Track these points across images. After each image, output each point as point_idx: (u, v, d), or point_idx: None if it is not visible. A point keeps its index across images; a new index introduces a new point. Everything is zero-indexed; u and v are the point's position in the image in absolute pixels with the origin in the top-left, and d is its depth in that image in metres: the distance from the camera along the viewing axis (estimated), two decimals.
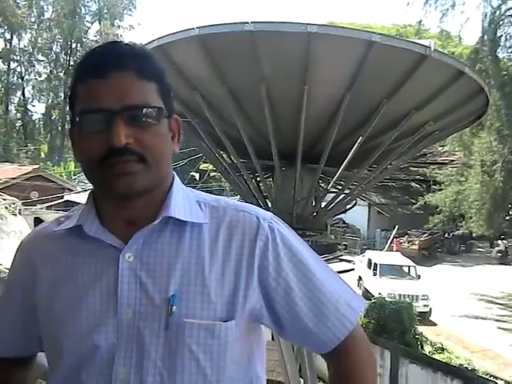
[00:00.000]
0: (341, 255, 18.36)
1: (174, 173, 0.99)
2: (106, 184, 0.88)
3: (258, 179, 10.39)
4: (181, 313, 0.87)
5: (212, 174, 27.81)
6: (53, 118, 47.15)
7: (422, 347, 10.95)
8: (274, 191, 9.66)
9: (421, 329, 11.57)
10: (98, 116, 0.86)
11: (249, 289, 0.91)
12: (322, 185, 11.04)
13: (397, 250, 20.56)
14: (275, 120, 7.74)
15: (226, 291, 0.90)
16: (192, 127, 8.77)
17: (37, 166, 22.36)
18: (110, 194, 0.89)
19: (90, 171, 0.90)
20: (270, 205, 9.73)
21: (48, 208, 17.65)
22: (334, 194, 9.71)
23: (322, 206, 9.65)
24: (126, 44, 0.92)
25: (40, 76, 45.83)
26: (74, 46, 45.53)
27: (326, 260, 12.64)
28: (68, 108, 0.94)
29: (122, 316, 0.88)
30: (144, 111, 0.86)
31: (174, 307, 0.86)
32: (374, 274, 15.76)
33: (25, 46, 44.39)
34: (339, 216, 15.24)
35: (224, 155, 10.04)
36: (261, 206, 9.31)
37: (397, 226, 21.12)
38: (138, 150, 0.86)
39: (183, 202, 0.95)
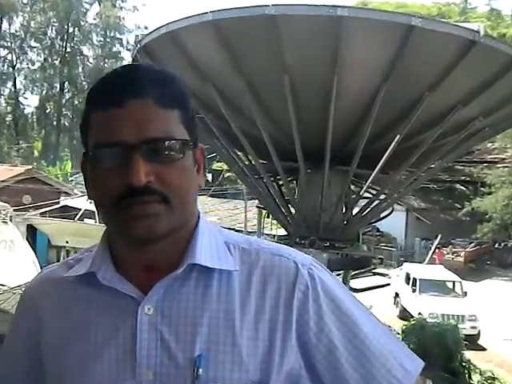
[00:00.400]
0: (374, 268, 18.26)
1: (200, 210, 0.99)
2: (123, 227, 0.88)
3: (280, 182, 10.39)
4: (208, 376, 0.86)
5: (227, 174, 27.94)
6: (47, 111, 47.82)
7: (469, 376, 10.82)
8: (298, 196, 9.66)
9: (468, 354, 11.43)
10: (114, 150, 0.86)
11: (286, 346, 0.90)
12: (354, 189, 11.01)
13: (439, 263, 20.38)
14: (300, 115, 7.73)
15: (260, 349, 0.89)
16: (204, 124, 8.81)
17: (30, 167, 22.65)
18: (128, 237, 0.90)
19: (104, 212, 0.91)
20: (292, 211, 9.74)
21: (42, 214, 17.88)
22: (367, 200, 9.69)
23: (354, 213, 9.63)
24: (145, 67, 0.93)
25: (33, 64, 46.53)
26: (70, 30, 46.17)
27: (357, 274, 12.54)
28: (81, 137, 0.94)
29: (142, 377, 0.88)
30: (166, 144, 0.87)
31: (201, 370, 0.86)
32: (413, 291, 15.65)
33: (16, 31, 45.11)
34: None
35: (241, 155, 10.07)
36: (282, 213, 9.32)
37: (439, 235, 20.94)
38: (159, 189, 0.86)
39: (210, 244, 0.95)
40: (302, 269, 0.94)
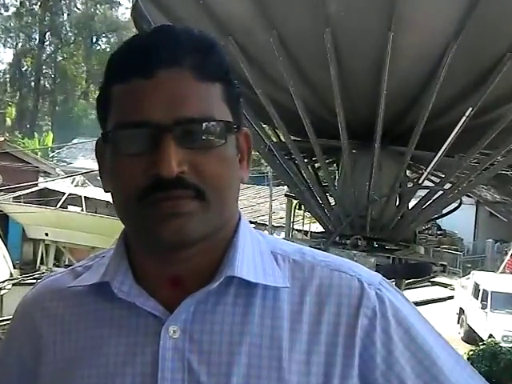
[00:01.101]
0: (434, 277, 18.18)
1: (241, 212, 1.01)
2: (149, 228, 0.89)
3: (317, 165, 10.38)
4: None
5: None
6: (24, 69, 48.26)
7: None
8: (339, 183, 9.64)
9: None
10: (140, 132, 0.87)
11: None
12: (411, 176, 10.94)
13: None
14: (344, 81, 7.70)
15: None
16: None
17: (1, 139, 22.85)
18: (153, 241, 0.90)
19: (124, 208, 0.92)
20: (332, 202, 9.74)
21: (16, 199, 18.08)
22: (427, 190, 9.64)
23: (410, 206, 9.59)
24: (180, 29, 0.93)
25: (7, 10, 46.89)
26: None
27: (413, 284, 12.48)
28: (97, 115, 0.96)
29: None
30: (205, 126, 0.88)
31: None
32: (483, 307, 15.56)
33: None
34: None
35: (267, 129, 10.09)
36: (318, 204, 9.35)
37: None
38: (195, 182, 0.87)
39: (253, 254, 0.96)
40: (368, 289, 0.95)
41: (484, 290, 15.91)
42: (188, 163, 0.87)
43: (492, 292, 15.68)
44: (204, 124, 0.88)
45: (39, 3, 46.49)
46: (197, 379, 0.89)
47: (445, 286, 19.47)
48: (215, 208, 0.89)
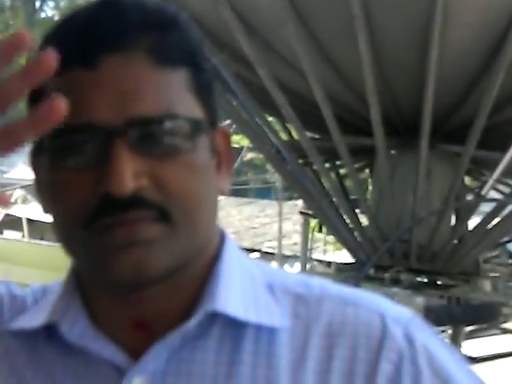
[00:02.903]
0: (505, 322, 18.07)
1: (225, 231, 1.03)
2: (99, 262, 0.91)
3: (342, 171, 10.40)
4: None
5: (249, 155, 27.99)
6: None
7: None
8: (372, 196, 9.66)
9: None
10: (82, 138, 0.89)
11: None
12: (471, 184, 10.95)
13: None
14: (378, 59, 7.72)
15: None
16: (213, 69, 8.83)
17: None
18: (105, 279, 0.93)
19: (67, 236, 0.94)
20: (363, 222, 9.74)
21: None
22: (494, 204, 9.65)
23: (471, 226, 9.58)
24: (132, 2, 0.94)
25: None
26: None
27: (476, 332, 12.43)
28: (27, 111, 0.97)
29: None
30: (167, 127, 0.90)
31: None
32: None
33: None
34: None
35: (275, 124, 10.11)
36: (345, 224, 9.39)
37: None
38: (156, 200, 0.89)
39: (242, 285, 0.99)
40: (393, 328, 0.97)
41: None
42: (147, 175, 0.88)
43: None
44: (166, 123, 0.90)
45: None
46: None
47: None
48: (184, 231, 0.91)
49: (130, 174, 0.86)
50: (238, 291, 0.97)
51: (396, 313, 0.99)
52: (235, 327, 0.95)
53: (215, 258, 0.99)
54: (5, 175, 28.97)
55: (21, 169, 30.23)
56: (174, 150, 0.90)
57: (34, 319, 0.99)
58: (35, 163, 0.97)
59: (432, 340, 0.99)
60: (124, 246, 0.88)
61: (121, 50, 0.89)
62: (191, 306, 0.95)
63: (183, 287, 0.96)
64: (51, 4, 51.76)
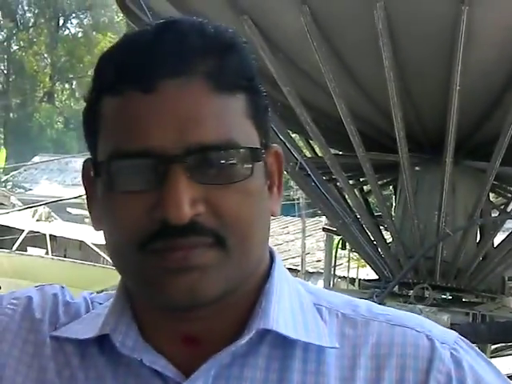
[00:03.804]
0: None
1: (274, 250, 1.03)
2: (152, 284, 0.91)
3: (366, 188, 10.40)
4: None
5: None
6: None
7: None
8: (397, 213, 9.64)
9: None
10: (141, 163, 0.89)
11: None
12: (496, 201, 10.90)
13: None
14: (402, 76, 7.72)
15: None
16: None
17: None
18: (158, 301, 0.94)
19: (121, 256, 0.95)
20: (388, 238, 9.72)
21: None
22: None
23: (496, 243, 9.55)
24: (188, 22, 0.94)
25: None
26: None
27: (503, 349, 12.34)
28: (84, 134, 0.98)
29: None
30: (226, 155, 0.89)
31: None
32: None
33: None
34: None
35: (299, 141, 10.13)
36: (369, 241, 9.34)
37: None
38: (213, 227, 0.89)
39: (291, 305, 0.99)
40: (441, 349, 0.97)
41: None
42: (203, 202, 0.88)
43: None
44: (225, 151, 0.89)
45: None
46: None
47: None
48: (238, 257, 0.92)
49: (187, 200, 0.86)
50: (288, 310, 0.97)
51: (443, 334, 1.00)
52: (284, 346, 0.95)
53: (265, 276, 0.99)
54: (28, 192, 29.10)
55: (43, 186, 30.36)
56: (231, 177, 0.89)
57: (87, 330, 1.00)
58: (88, 177, 0.98)
59: (479, 361, 0.99)
60: (179, 270, 0.88)
61: (180, 75, 0.88)
62: (241, 324, 0.95)
63: (234, 306, 0.96)
64: (74, 21, 52.05)
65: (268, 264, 1.01)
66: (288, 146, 9.15)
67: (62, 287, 1.16)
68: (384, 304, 7.16)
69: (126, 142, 0.89)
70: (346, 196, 9.36)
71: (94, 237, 16.73)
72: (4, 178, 30.41)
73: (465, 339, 1.02)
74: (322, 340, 0.96)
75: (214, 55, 0.91)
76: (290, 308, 0.98)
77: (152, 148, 0.87)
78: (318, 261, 21.02)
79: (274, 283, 0.98)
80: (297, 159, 9.17)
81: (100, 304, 1.09)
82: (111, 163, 0.90)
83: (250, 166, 0.91)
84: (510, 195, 9.58)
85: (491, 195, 9.88)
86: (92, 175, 0.96)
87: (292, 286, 1.02)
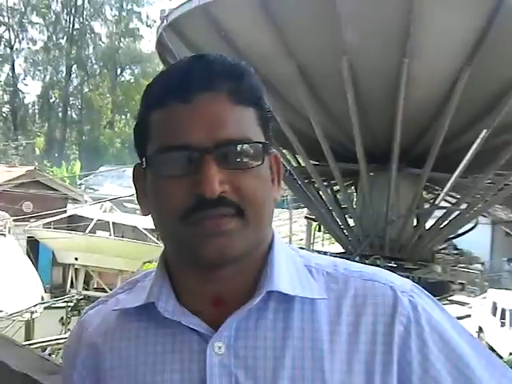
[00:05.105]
0: (452, 295, 17.98)
1: (274, 230, 1.01)
2: (193, 246, 0.91)
3: (336, 188, 10.36)
4: None
5: None
6: (51, 101, 48.82)
7: None
8: (357, 205, 9.62)
9: None
10: (182, 155, 0.89)
11: None
12: (428, 197, 10.89)
13: None
14: (362, 108, 7.71)
15: None
16: None
17: (31, 168, 23.01)
18: (196, 260, 0.92)
19: (167, 228, 0.94)
20: (351, 223, 9.71)
21: (46, 225, 18.17)
22: (444, 210, 9.59)
23: (428, 226, 9.54)
24: (215, 56, 0.95)
25: (35, 44, 47.55)
26: (79, 2, 47.10)
27: None
28: (135, 142, 0.99)
29: None
30: (244, 148, 0.90)
31: None
32: (502, 325, 15.33)
33: (14, 4, 46.11)
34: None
35: (286, 153, 10.10)
36: (338, 225, 9.29)
37: None
38: (235, 201, 0.89)
39: (288, 268, 0.98)
40: (401, 296, 0.96)
41: (502, 309, 15.67)
42: (228, 183, 0.88)
43: (510, 310, 15.45)
44: (242, 145, 0.90)
45: (66, 37, 47.12)
46: None
47: (463, 304, 19.22)
48: (254, 226, 0.91)
49: (217, 181, 0.86)
50: (286, 273, 0.96)
51: (402, 284, 0.98)
52: (286, 301, 0.94)
53: (269, 249, 0.98)
54: (96, 192, 29.17)
55: (106, 187, 30.42)
56: (247, 165, 0.90)
57: (137, 300, 1.00)
58: (138, 177, 0.98)
59: (429, 304, 0.99)
60: (211, 234, 0.88)
61: (209, 91, 0.89)
62: (253, 287, 0.94)
63: (249, 269, 0.95)
64: (128, 71, 52.13)
65: (270, 240, 0.99)
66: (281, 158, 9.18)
67: None
68: None
69: (171, 139, 0.89)
70: (322, 194, 9.33)
71: (143, 223, 16.75)
72: (79, 182, 30.42)
73: (418, 286, 1.00)
74: (313, 294, 0.95)
75: (233, 78, 0.92)
76: (287, 271, 0.97)
77: (190, 143, 0.88)
78: (300, 240, 21.01)
79: (275, 254, 0.97)
80: (286, 168, 9.17)
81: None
82: (160, 155, 0.91)
83: (261, 156, 0.91)
84: (436, 193, 9.57)
85: (424, 193, 9.87)
86: (141, 172, 0.97)
87: (288, 254, 1.00)
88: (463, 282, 10.65)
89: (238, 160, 0.90)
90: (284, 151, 9.70)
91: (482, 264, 25.31)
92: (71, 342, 1.07)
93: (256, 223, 0.91)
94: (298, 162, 9.80)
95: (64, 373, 1.09)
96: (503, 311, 15.56)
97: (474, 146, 7.81)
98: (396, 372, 0.92)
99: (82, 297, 14.84)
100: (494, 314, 15.92)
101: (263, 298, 0.93)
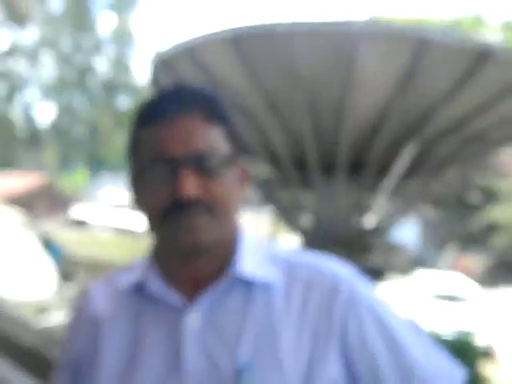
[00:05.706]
0: (385, 277, 18.15)
1: (242, 225, 1.02)
2: (170, 239, 0.92)
3: (293, 191, 10.44)
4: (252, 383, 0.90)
5: None
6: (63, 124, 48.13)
7: None
8: (314, 205, 9.69)
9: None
10: (164, 165, 0.90)
11: (327, 361, 0.93)
12: (369, 198, 11.02)
13: (458, 270, 20.17)
14: (315, 127, 7.76)
15: (301, 364, 0.92)
16: None
17: (44, 175, 22.55)
18: (174, 250, 0.94)
19: (153, 224, 0.95)
20: (310, 222, 9.76)
21: (57, 225, 17.93)
22: (382, 209, 9.70)
23: (369, 222, 9.65)
24: (190, 87, 0.97)
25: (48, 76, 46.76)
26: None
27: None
28: (127, 152, 0.99)
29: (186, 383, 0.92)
30: (212, 158, 0.91)
31: (245, 376, 0.90)
32: (427, 300, 15.43)
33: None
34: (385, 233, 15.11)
35: (254, 164, 10.15)
36: (297, 224, 9.27)
37: (452, 244, 20.81)
38: (206, 202, 0.90)
39: (253, 257, 0.98)
40: (341, 283, 0.97)
41: (425, 287, 15.83)
42: (201, 187, 0.90)
43: (433, 288, 15.59)
44: (212, 155, 0.91)
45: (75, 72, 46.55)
46: (213, 356, 0.93)
47: (394, 284, 19.39)
48: (222, 221, 0.93)
49: (190, 186, 0.89)
50: (250, 261, 0.98)
51: (343, 273, 0.99)
52: (248, 285, 0.96)
53: (237, 239, 1.00)
54: (100, 196, 28.75)
55: (109, 191, 30.00)
56: (216, 172, 0.91)
57: (129, 281, 1.01)
58: (131, 182, 0.99)
59: (364, 288, 1.00)
60: (186, 229, 0.90)
61: (185, 113, 0.91)
62: (222, 271, 0.96)
63: (219, 257, 0.97)
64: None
65: (238, 234, 1.01)
66: (251, 166, 9.20)
67: None
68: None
69: (156, 152, 0.91)
70: (284, 196, 9.35)
71: (140, 224, 16.50)
72: (85, 186, 29.87)
73: (357, 273, 1.02)
74: (271, 277, 0.97)
75: (203, 101, 0.94)
76: (252, 259, 0.98)
77: (171, 155, 0.90)
78: (269, 234, 20.95)
79: (241, 245, 0.99)
80: (252, 174, 9.21)
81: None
82: (147, 165, 0.92)
83: (228, 165, 0.93)
84: (375, 194, 9.72)
85: (366, 195, 9.97)
86: (132, 181, 0.98)
87: (256, 245, 1.02)
88: (398, 269, 10.76)
89: (208, 168, 0.91)
90: (251, 160, 9.73)
91: (410, 252, 25.60)
92: (75, 313, 1.07)
93: (223, 219, 0.93)
94: (265, 169, 9.80)
95: (67, 338, 1.08)
96: (426, 290, 15.71)
97: (405, 156, 7.93)
98: (337, 345, 0.94)
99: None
100: (420, 293, 16.09)
101: (230, 280, 0.95)
